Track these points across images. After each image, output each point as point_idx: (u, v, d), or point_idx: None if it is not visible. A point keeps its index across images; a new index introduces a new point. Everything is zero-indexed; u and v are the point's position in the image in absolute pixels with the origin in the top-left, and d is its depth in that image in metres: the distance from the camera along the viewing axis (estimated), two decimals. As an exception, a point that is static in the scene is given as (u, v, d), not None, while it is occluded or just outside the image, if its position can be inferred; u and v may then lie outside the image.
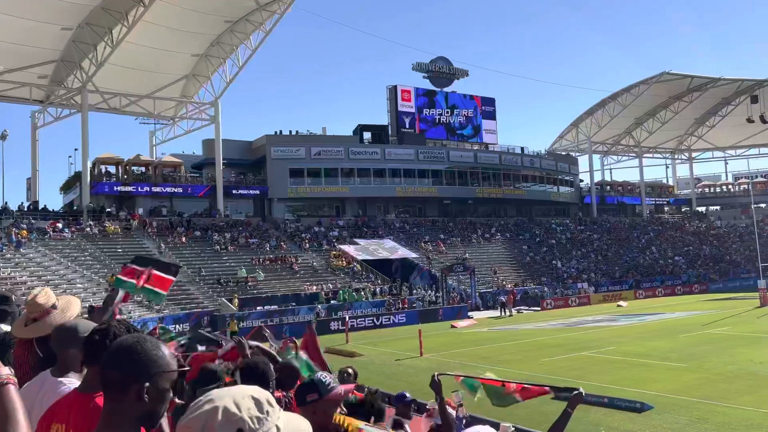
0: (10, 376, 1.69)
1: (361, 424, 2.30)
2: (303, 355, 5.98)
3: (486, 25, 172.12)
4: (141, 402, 1.59)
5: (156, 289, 5.45)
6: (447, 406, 6.64)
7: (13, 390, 1.67)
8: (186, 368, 3.68)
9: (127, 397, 1.59)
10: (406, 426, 5.01)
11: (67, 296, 3.26)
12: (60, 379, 2.46)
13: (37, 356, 3.01)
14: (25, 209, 40.04)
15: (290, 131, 51.20)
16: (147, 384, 1.59)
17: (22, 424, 1.62)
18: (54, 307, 3.08)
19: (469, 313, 37.35)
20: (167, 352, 1.66)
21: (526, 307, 40.52)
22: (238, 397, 1.33)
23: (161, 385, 1.62)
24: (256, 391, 1.37)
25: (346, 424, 2.29)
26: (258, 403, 1.33)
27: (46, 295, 3.10)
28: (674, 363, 18.44)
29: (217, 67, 45.50)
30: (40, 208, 41.02)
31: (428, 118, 55.88)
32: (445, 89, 57.16)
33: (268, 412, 1.34)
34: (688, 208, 71.88)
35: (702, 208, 72.58)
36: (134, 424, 1.62)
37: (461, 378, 4.94)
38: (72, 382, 2.44)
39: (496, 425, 5.17)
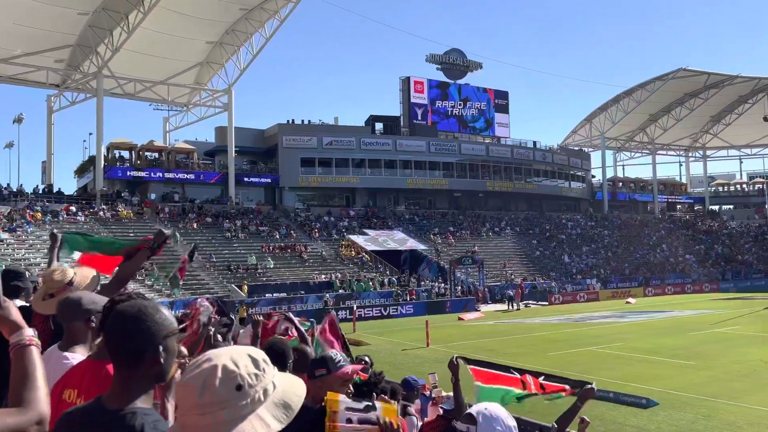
0: (32, 338, 1.77)
1: (339, 396, 2.38)
2: (318, 337, 6.09)
3: (501, 18, 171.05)
4: (157, 365, 1.68)
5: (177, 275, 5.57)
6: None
7: (35, 351, 1.75)
8: (185, 326, 3.75)
9: (144, 364, 1.67)
10: (411, 409, 5.09)
11: (84, 270, 3.35)
12: (65, 353, 2.53)
13: (51, 330, 3.11)
14: (40, 192, 40.49)
15: (302, 120, 51.35)
16: (161, 348, 1.67)
17: (41, 385, 1.69)
18: (70, 283, 3.18)
19: (477, 306, 37.40)
20: (167, 312, 1.75)
21: (534, 302, 40.49)
22: (235, 356, 1.38)
23: (171, 346, 1.71)
24: (253, 350, 1.43)
25: (328, 403, 2.37)
26: (255, 361, 1.39)
27: (62, 273, 3.21)
28: (681, 360, 18.39)
29: (231, 55, 45.60)
30: (54, 192, 41.46)
31: (441, 110, 55.71)
32: (459, 81, 56.93)
33: (264, 369, 1.39)
34: (700, 207, 71.30)
35: (715, 207, 71.98)
36: (150, 384, 1.72)
37: (478, 385, 4.84)
38: (75, 356, 2.51)
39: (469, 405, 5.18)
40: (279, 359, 3.49)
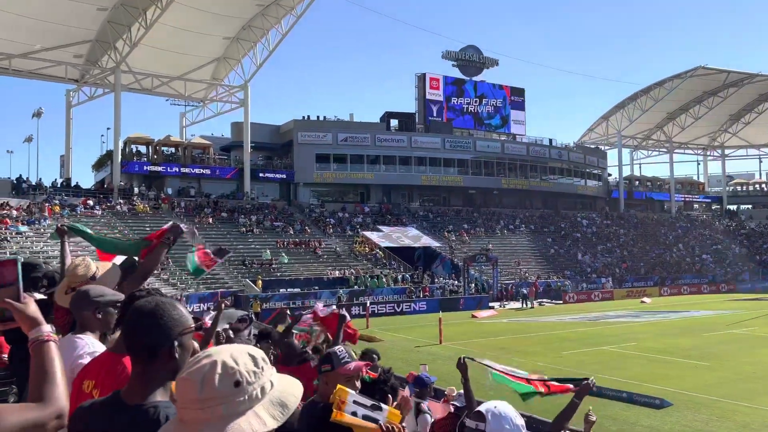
0: (51, 334, 1.82)
1: (351, 391, 2.44)
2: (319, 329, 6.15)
3: (518, 15, 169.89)
4: (172, 360, 1.74)
5: (198, 264, 5.61)
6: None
7: (53, 347, 1.80)
8: (201, 324, 3.84)
9: (160, 359, 1.74)
10: (425, 405, 5.13)
11: (106, 265, 3.45)
12: (78, 335, 2.72)
13: (73, 322, 3.21)
14: (58, 186, 41.01)
15: (318, 117, 51.35)
16: (176, 343, 1.74)
17: (60, 380, 1.74)
18: (93, 278, 3.28)
19: (490, 304, 37.36)
20: (184, 310, 1.81)
21: (548, 300, 40.34)
22: (235, 353, 1.42)
23: (186, 343, 1.78)
24: (252, 348, 1.47)
25: (338, 392, 2.42)
26: (254, 359, 1.42)
27: (85, 267, 3.32)
28: (696, 361, 18.25)
29: (247, 51, 45.80)
30: (72, 185, 41.98)
31: (456, 106, 55.55)
32: (474, 78, 56.71)
33: (263, 367, 1.43)
34: (718, 206, 70.44)
35: (733, 207, 71.10)
36: (166, 379, 1.78)
37: (490, 372, 4.90)
38: (86, 337, 2.70)
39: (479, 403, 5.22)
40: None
